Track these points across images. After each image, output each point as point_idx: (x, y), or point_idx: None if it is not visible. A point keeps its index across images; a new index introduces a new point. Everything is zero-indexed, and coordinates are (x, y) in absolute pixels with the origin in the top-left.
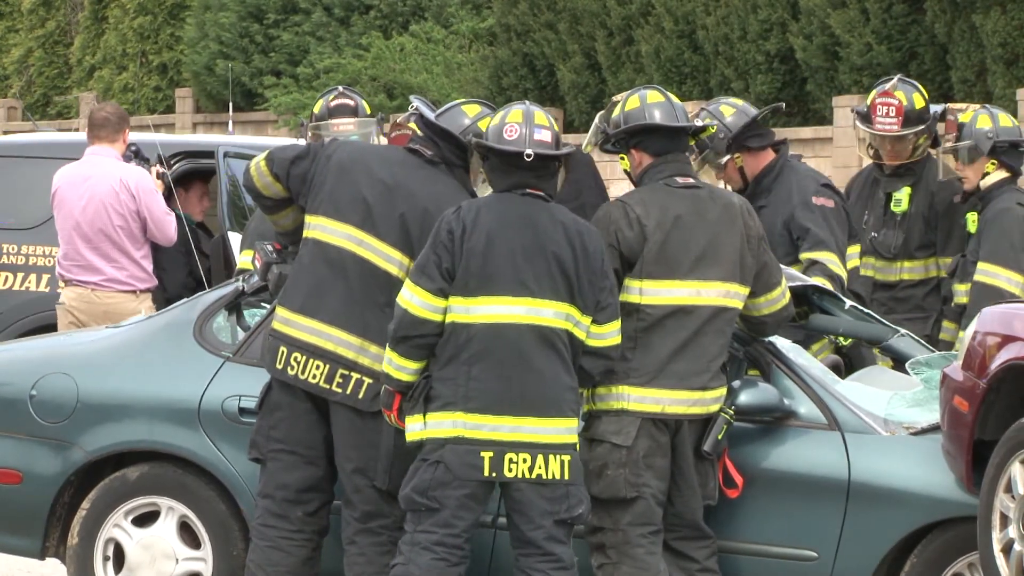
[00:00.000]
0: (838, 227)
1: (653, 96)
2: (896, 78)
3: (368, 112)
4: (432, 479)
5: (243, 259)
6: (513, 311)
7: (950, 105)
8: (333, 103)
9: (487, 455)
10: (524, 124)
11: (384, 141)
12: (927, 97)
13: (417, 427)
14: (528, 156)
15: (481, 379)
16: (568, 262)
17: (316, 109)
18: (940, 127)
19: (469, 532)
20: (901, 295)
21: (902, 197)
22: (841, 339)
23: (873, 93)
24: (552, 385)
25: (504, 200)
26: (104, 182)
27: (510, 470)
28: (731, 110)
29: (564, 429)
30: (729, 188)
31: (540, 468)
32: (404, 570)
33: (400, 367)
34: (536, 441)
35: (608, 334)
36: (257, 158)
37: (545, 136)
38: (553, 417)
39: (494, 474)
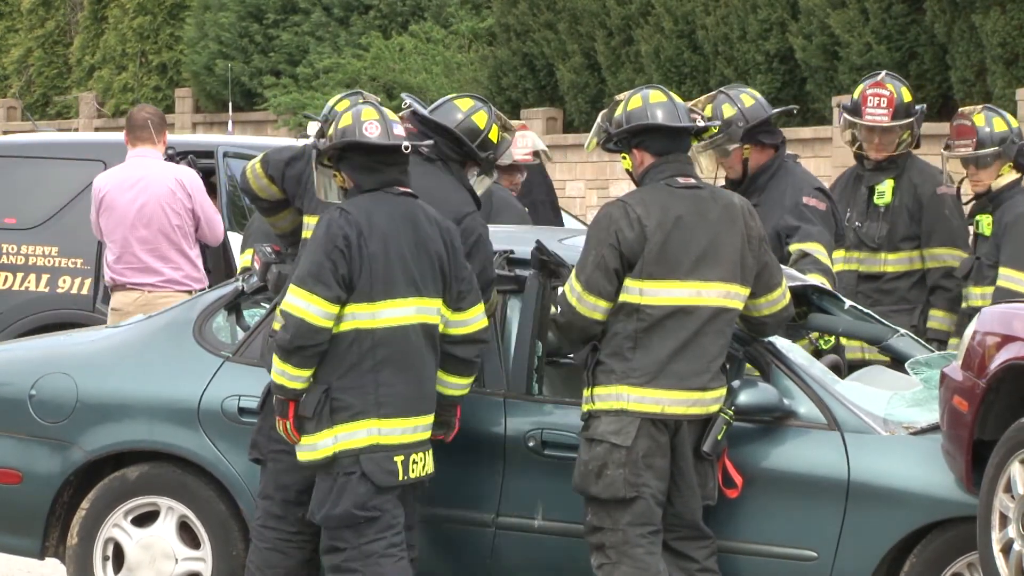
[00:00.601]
0: (826, 227)
1: (655, 96)
2: (884, 73)
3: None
4: (366, 491)
5: (245, 258)
6: (407, 312)
7: (962, 110)
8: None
9: (399, 459)
10: (382, 121)
11: None
12: (913, 94)
13: (327, 442)
14: (406, 148)
15: (390, 384)
16: (444, 259)
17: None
18: (948, 128)
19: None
20: (886, 287)
21: (885, 190)
22: (822, 341)
23: (862, 86)
24: (433, 382)
25: (386, 200)
26: (159, 182)
27: (413, 471)
28: (751, 100)
29: (433, 425)
30: (723, 178)
31: (429, 467)
32: None
33: (294, 377)
34: (425, 439)
35: (474, 319)
36: (252, 161)
37: (401, 130)
38: (431, 414)
39: (406, 477)
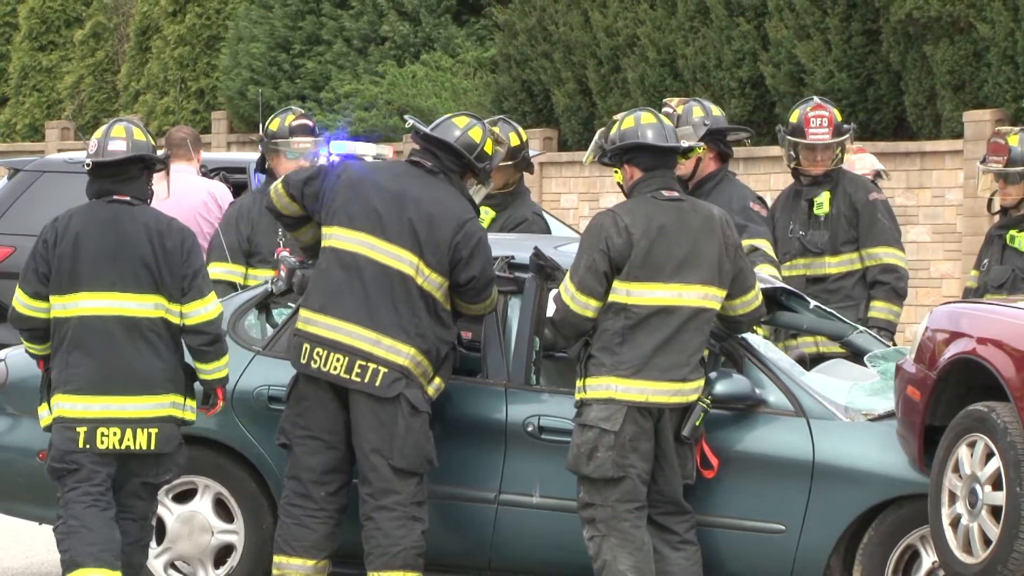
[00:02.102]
0: (768, 229)
1: (647, 118)
2: (817, 97)
3: (319, 131)
4: (57, 452)
5: (213, 270)
6: (100, 304)
7: (999, 129)
8: (294, 123)
9: (82, 430)
10: (103, 137)
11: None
12: (843, 115)
13: (45, 413)
14: (87, 166)
15: (77, 365)
16: (149, 258)
17: (274, 126)
18: (901, 147)
19: (108, 483)
20: (832, 287)
21: (823, 201)
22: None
23: (799, 110)
24: (142, 367)
25: (92, 207)
26: (193, 195)
27: (102, 443)
28: (718, 111)
29: (152, 405)
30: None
31: (129, 440)
32: (66, 527)
33: (28, 349)
34: (123, 417)
35: (194, 312)
36: (276, 183)
37: (119, 146)
38: (141, 395)
39: (88, 446)
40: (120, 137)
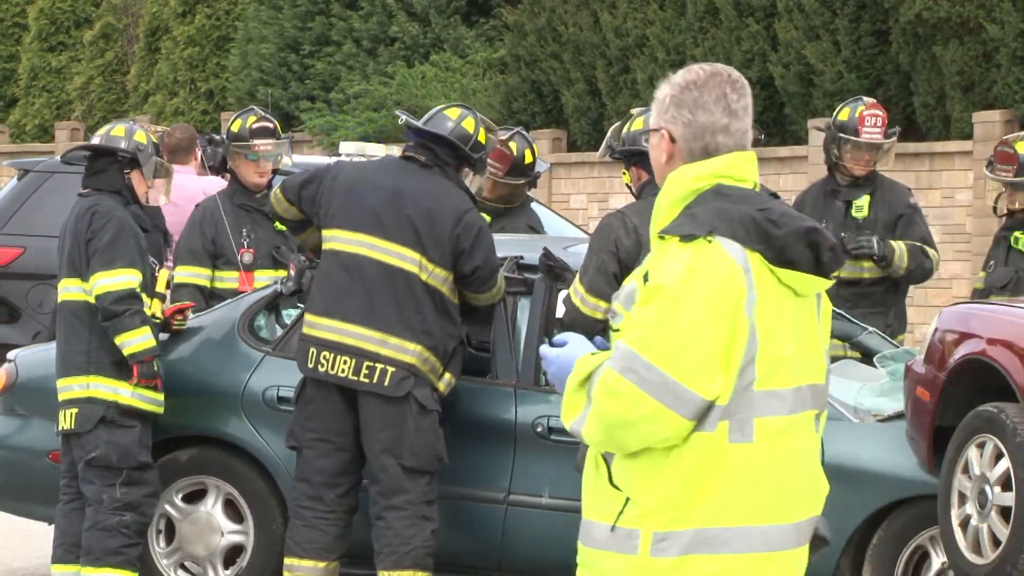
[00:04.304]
0: None
1: None
2: (864, 98)
3: (281, 133)
4: None
5: (179, 274)
6: (61, 292)
7: (1006, 137)
8: (254, 125)
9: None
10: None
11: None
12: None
13: None
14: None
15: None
16: (72, 245)
17: (235, 128)
18: (910, 148)
19: (72, 469)
20: (864, 291)
21: (863, 204)
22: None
23: (851, 108)
24: (74, 350)
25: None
26: (190, 199)
27: (62, 424)
28: None
29: (74, 386)
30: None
31: (63, 421)
32: None
33: None
34: (68, 398)
35: (95, 285)
36: (275, 188)
37: (94, 141)
38: (72, 377)
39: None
40: (99, 134)
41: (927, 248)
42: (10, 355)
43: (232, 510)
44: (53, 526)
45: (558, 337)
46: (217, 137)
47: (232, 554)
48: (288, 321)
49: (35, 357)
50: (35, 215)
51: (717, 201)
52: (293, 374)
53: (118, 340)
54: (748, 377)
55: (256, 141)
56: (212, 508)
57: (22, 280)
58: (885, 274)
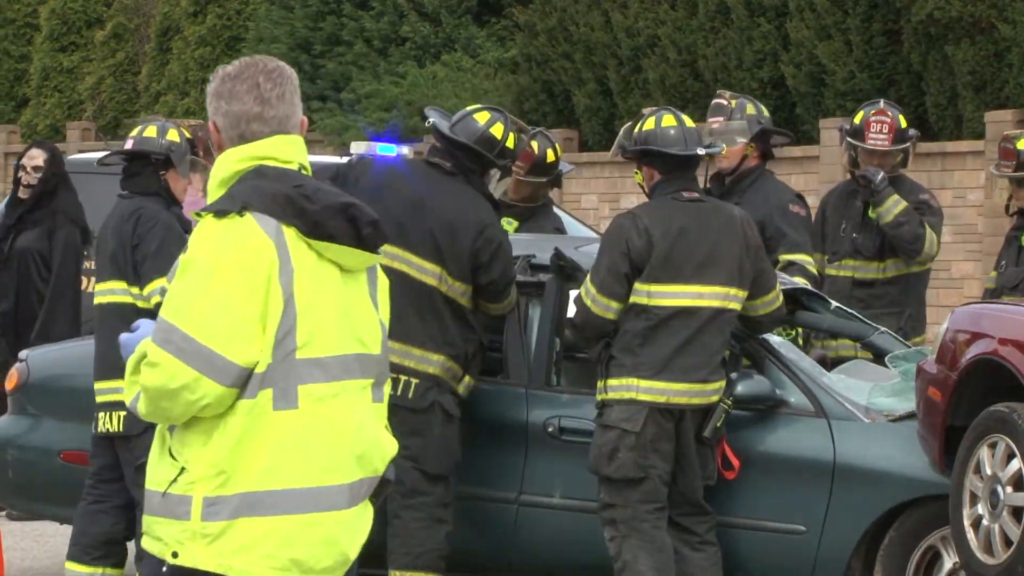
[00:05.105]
0: (808, 233)
1: (667, 120)
2: (883, 101)
3: None
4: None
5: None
6: (103, 293)
7: (1008, 133)
8: None
9: (99, 415)
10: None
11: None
12: (908, 120)
13: None
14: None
15: (95, 351)
16: (116, 247)
17: None
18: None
19: (101, 472)
20: (877, 292)
21: None
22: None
23: (863, 112)
24: (108, 353)
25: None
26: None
27: (102, 426)
28: (767, 113)
29: (119, 388)
30: (715, 168)
31: (120, 426)
32: None
33: None
34: (108, 401)
35: (152, 293)
36: None
37: (127, 144)
38: (108, 380)
39: (96, 430)
40: (131, 136)
41: (928, 225)
42: (21, 355)
43: None
44: (66, 525)
45: (136, 323)
46: None
47: None
48: None
49: (46, 357)
50: None
51: (255, 180)
52: None
53: None
54: (289, 346)
55: None
56: None
57: None
58: (898, 273)
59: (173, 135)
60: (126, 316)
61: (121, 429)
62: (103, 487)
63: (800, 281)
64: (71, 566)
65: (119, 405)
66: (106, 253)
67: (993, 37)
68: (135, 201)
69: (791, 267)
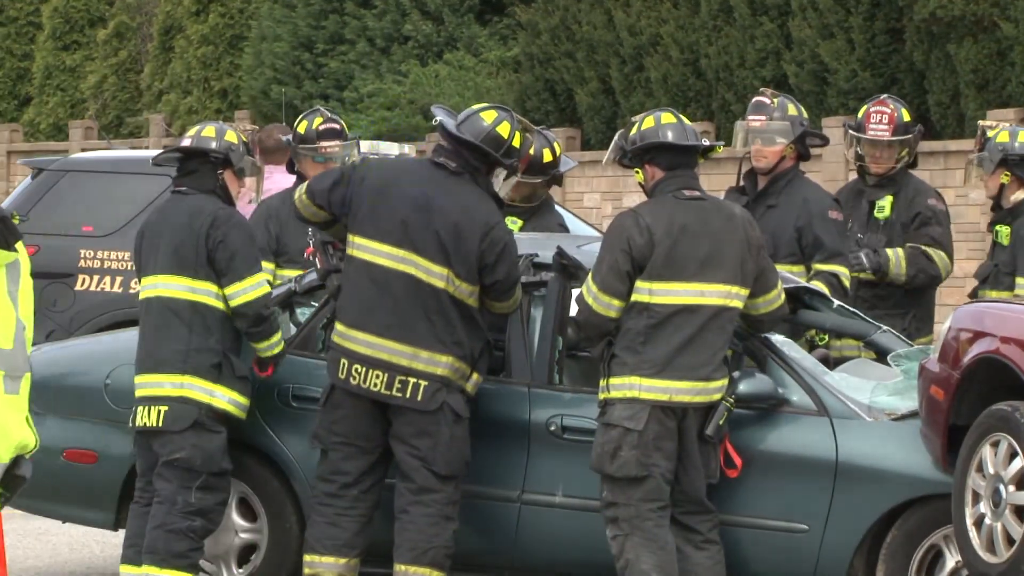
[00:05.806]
0: (844, 240)
1: (667, 118)
2: (886, 95)
3: (348, 133)
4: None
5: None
6: (157, 287)
7: (982, 122)
8: (321, 127)
9: (139, 409)
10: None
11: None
12: (912, 115)
13: None
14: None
15: (139, 346)
16: (186, 242)
17: (301, 130)
18: (926, 147)
19: (145, 471)
20: (883, 292)
21: (885, 204)
22: (818, 338)
23: (866, 106)
24: (179, 346)
25: (171, 200)
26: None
27: (142, 420)
28: (806, 113)
29: (167, 383)
30: (748, 166)
31: (146, 418)
32: None
33: None
34: (162, 395)
35: (234, 294)
36: (299, 190)
37: (184, 142)
38: (171, 374)
39: (135, 423)
40: (189, 135)
41: (931, 251)
42: None
43: (246, 509)
44: (69, 524)
45: None
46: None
47: (246, 552)
48: (302, 319)
49: (49, 355)
50: (49, 214)
51: None
52: (307, 372)
53: (262, 344)
54: None
55: (323, 143)
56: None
57: (36, 279)
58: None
59: (232, 136)
60: (181, 313)
61: (160, 424)
62: (151, 489)
63: (816, 285)
64: (126, 569)
65: (160, 400)
66: (163, 249)
67: (995, 36)
68: (197, 198)
69: (819, 275)
